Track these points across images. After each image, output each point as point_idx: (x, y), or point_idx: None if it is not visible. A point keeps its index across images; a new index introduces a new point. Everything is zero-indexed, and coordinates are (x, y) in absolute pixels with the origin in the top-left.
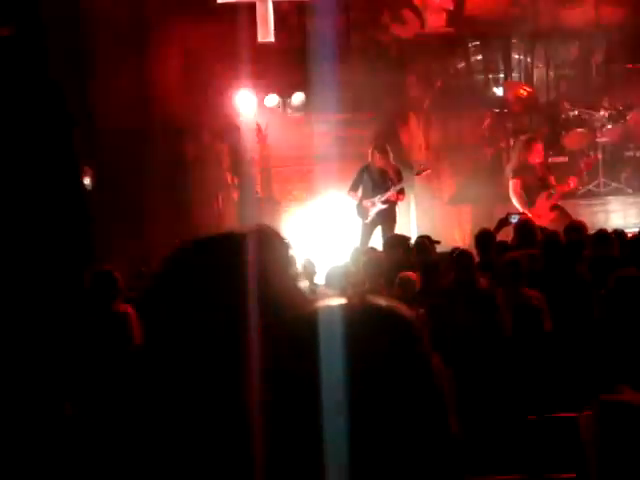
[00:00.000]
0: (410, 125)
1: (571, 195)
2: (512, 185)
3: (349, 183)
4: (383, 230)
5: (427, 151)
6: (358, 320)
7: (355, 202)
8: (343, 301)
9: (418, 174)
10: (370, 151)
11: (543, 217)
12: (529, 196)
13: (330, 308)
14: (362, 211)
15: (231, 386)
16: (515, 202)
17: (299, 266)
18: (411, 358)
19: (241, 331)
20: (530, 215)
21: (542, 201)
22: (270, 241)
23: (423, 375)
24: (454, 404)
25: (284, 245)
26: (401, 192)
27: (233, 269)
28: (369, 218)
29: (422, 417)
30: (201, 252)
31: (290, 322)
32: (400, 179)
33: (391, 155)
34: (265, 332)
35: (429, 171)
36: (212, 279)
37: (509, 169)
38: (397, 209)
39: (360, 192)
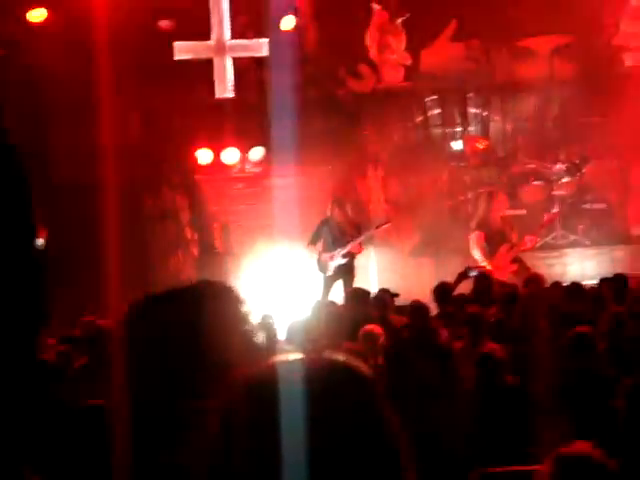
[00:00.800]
0: (369, 179)
1: None
2: (474, 237)
3: (308, 237)
4: (343, 284)
5: (386, 204)
6: (315, 376)
7: (315, 256)
8: (300, 356)
9: (378, 228)
10: (329, 205)
11: (503, 270)
12: (490, 249)
13: (286, 363)
14: (322, 265)
15: (189, 443)
16: (476, 254)
17: (258, 321)
18: (369, 415)
19: (197, 387)
20: (490, 267)
21: (502, 254)
22: (223, 296)
23: (380, 432)
24: (412, 462)
25: (237, 300)
26: (361, 245)
27: (187, 325)
28: (329, 272)
29: (378, 475)
30: (154, 310)
31: (245, 378)
32: (359, 233)
33: (350, 209)
34: (220, 387)
35: (389, 225)
36: (165, 336)
37: (473, 222)
38: (356, 263)
39: (320, 246)
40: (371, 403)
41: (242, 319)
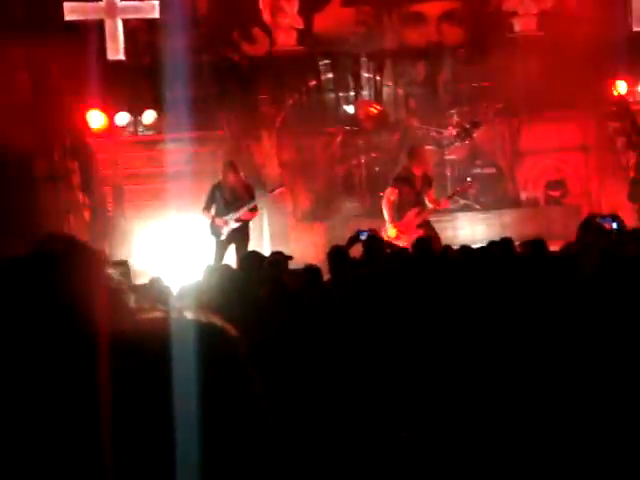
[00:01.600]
0: (263, 142)
1: None
2: (388, 193)
3: (202, 200)
4: (236, 248)
5: (280, 168)
6: (183, 333)
7: (209, 220)
8: (165, 315)
9: (272, 192)
10: (222, 169)
11: (409, 234)
12: (400, 209)
13: (153, 322)
14: (215, 230)
15: (72, 401)
16: (384, 212)
17: (147, 283)
18: (232, 369)
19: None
20: (395, 230)
21: (410, 217)
22: (83, 256)
23: (244, 383)
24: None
25: (96, 259)
26: (254, 210)
27: (45, 285)
28: (222, 236)
29: (245, 413)
30: (9, 273)
31: (111, 336)
32: (252, 196)
33: (242, 173)
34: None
35: (283, 189)
36: (23, 298)
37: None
38: (250, 226)
39: (213, 210)
40: (235, 360)
41: (103, 277)
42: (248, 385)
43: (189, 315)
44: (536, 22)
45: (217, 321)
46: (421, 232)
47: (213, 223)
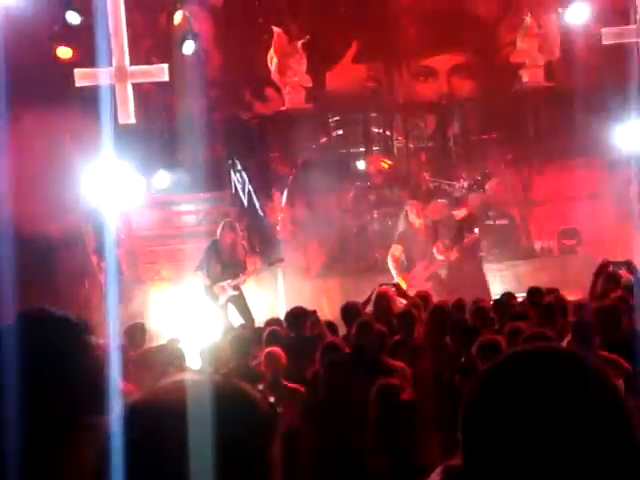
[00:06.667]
0: (275, 201)
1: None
2: (392, 249)
3: (197, 262)
4: (237, 307)
5: (292, 226)
6: (199, 395)
7: (205, 282)
8: (185, 378)
9: (271, 264)
10: (220, 228)
11: (418, 287)
12: (408, 263)
13: (175, 384)
14: (213, 295)
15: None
16: (391, 268)
17: (164, 344)
18: (251, 427)
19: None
20: (404, 283)
21: (419, 270)
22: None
23: (264, 456)
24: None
25: (75, 330)
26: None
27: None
28: (220, 302)
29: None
30: None
31: (135, 399)
32: (244, 260)
33: (240, 233)
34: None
35: (282, 263)
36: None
37: (396, 233)
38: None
39: (206, 271)
40: (256, 419)
41: (82, 347)
42: (265, 447)
43: (208, 376)
44: (544, 73)
45: (235, 381)
46: (430, 285)
47: (210, 289)
